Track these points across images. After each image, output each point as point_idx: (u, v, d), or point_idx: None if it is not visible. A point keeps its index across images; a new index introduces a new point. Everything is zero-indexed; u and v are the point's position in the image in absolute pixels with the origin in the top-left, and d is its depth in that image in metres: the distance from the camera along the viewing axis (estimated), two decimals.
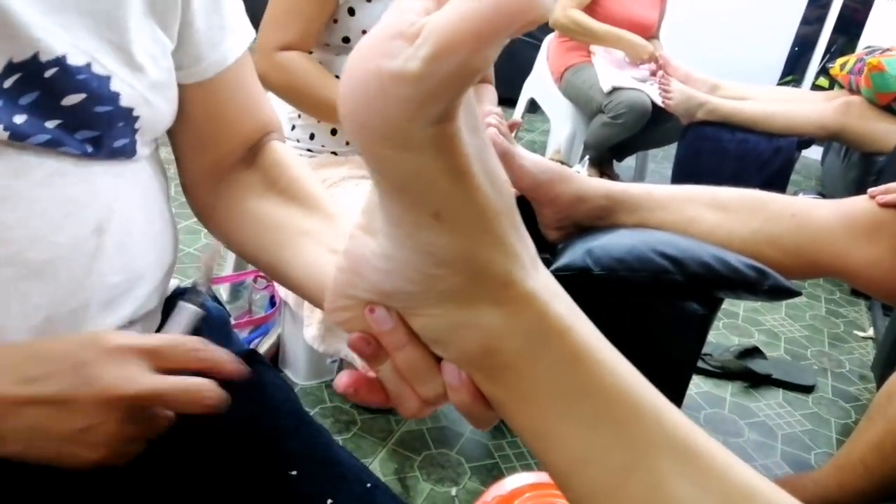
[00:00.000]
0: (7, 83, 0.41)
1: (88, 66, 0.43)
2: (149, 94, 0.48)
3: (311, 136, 1.22)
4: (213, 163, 0.57)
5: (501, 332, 0.29)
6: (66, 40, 0.42)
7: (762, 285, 0.96)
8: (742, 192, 1.03)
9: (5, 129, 0.40)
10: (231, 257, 1.46)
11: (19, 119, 0.41)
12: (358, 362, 1.26)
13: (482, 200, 0.27)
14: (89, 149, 0.45)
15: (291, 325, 1.25)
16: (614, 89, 2.30)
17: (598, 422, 0.29)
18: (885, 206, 0.93)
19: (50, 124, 0.43)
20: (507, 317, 0.29)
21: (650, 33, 2.52)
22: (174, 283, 0.63)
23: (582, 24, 2.33)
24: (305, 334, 1.07)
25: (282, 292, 1.23)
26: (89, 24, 0.44)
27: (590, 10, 2.37)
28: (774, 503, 0.29)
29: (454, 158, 0.26)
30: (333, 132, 1.21)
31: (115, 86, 0.45)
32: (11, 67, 0.40)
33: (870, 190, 0.96)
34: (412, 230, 0.27)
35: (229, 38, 0.55)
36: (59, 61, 0.42)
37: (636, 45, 2.35)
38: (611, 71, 2.38)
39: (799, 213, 1.00)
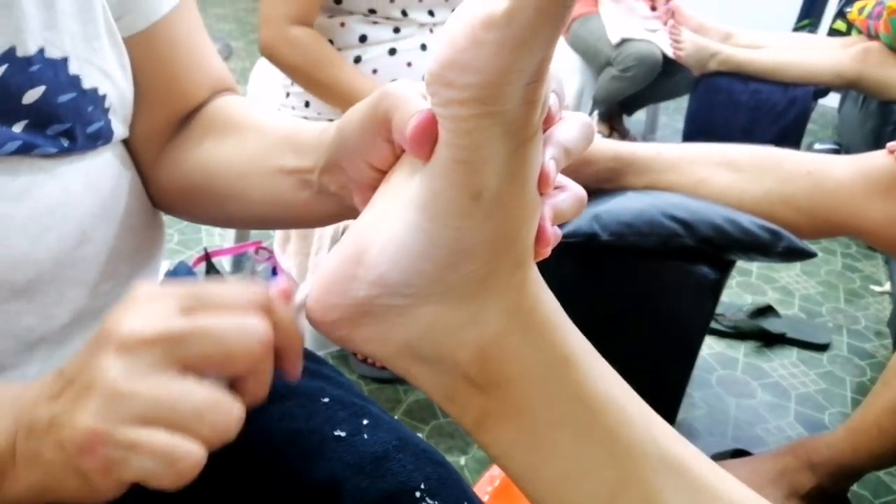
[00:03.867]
0: None
1: (41, 51, 0.39)
2: (106, 65, 0.43)
3: (307, 104, 1.18)
4: (157, 127, 0.50)
5: (501, 330, 0.28)
6: (9, 28, 0.38)
7: (776, 247, 0.93)
8: (755, 150, 1.00)
9: None
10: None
11: None
12: None
13: (531, 183, 0.27)
14: (65, 143, 0.41)
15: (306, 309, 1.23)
16: (623, 41, 2.23)
17: (591, 430, 0.28)
18: None
19: (17, 128, 0.38)
20: (510, 312, 0.28)
21: None
22: (165, 266, 0.61)
23: None
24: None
25: (283, 263, 1.21)
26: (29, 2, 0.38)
27: None
28: None
29: (530, 127, 0.25)
30: None
31: (73, 68, 0.41)
32: None
33: (889, 144, 0.92)
34: (445, 212, 0.26)
35: None
36: (8, 55, 0.37)
37: None
38: (619, 21, 2.31)
39: (814, 171, 0.96)
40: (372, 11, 1.11)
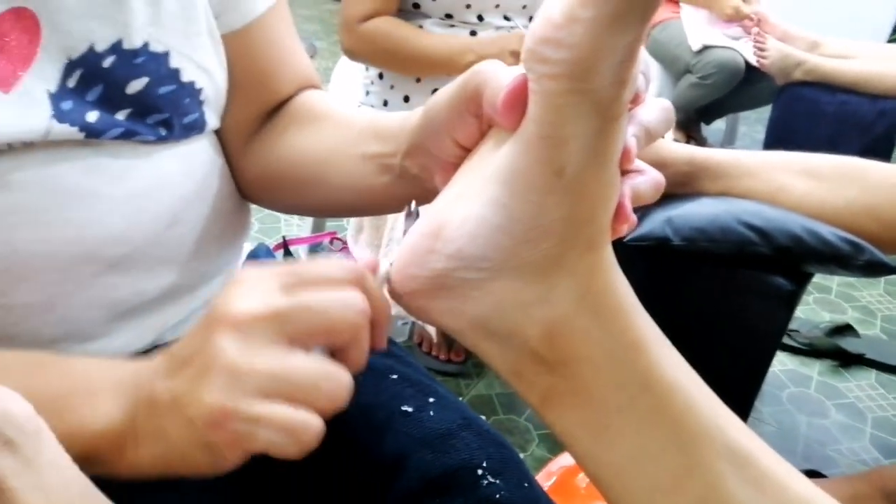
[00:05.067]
0: (71, 83, 0.40)
1: (146, 45, 0.42)
2: (205, 61, 0.46)
3: (385, 103, 1.21)
4: (246, 119, 0.52)
5: (571, 309, 0.28)
6: (118, 22, 0.41)
7: (857, 260, 0.89)
8: (839, 159, 0.96)
9: (81, 129, 0.40)
10: (308, 219, 1.48)
11: (92, 116, 0.40)
12: (430, 328, 1.26)
13: (613, 162, 0.27)
14: (163, 132, 0.44)
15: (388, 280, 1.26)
16: (704, 48, 2.18)
17: (657, 417, 0.28)
18: None
19: (121, 115, 0.42)
20: (581, 292, 0.28)
21: None
22: (247, 248, 0.64)
23: None
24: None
25: (356, 253, 1.24)
26: None
27: None
28: None
29: (618, 106, 0.25)
30: (406, 99, 1.20)
31: (173, 62, 0.44)
32: (72, 65, 0.40)
33: None
34: (526, 187, 0.27)
35: None
36: (115, 48, 0.41)
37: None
38: (701, 28, 2.26)
39: None
40: (448, 16, 1.13)
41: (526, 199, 0.27)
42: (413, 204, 0.35)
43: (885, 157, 2.10)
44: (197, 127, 0.46)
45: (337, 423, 0.47)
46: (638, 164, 0.31)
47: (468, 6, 1.11)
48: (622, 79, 0.24)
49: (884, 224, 0.92)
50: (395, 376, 0.49)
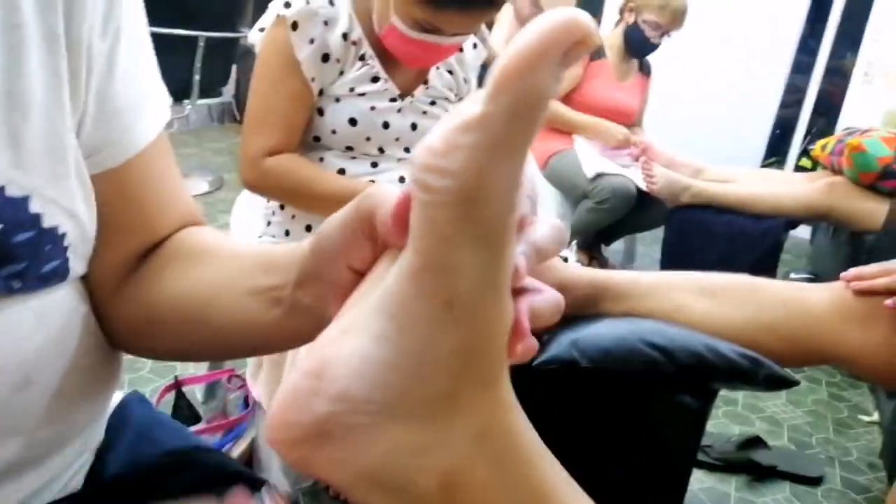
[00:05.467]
0: None
1: (2, 189, 0.37)
2: (71, 204, 0.41)
3: (287, 233, 1.19)
4: (119, 261, 0.47)
5: (468, 456, 0.26)
6: None
7: (757, 375, 0.91)
8: (732, 279, 1.00)
9: None
10: None
11: None
12: None
13: (505, 291, 0.25)
14: (16, 285, 0.38)
15: (264, 428, 1.19)
16: (598, 175, 2.31)
17: None
18: (858, 293, 0.90)
19: None
20: (479, 435, 0.26)
21: (632, 120, 2.57)
22: (118, 397, 0.58)
23: (559, 113, 2.42)
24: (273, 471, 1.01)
25: (254, 392, 1.17)
26: None
27: (571, 97, 2.43)
28: None
29: (506, 233, 0.24)
30: (308, 229, 1.19)
31: (34, 206, 0.38)
32: None
33: (842, 274, 0.92)
34: (414, 320, 0.25)
35: (139, 118, 0.46)
36: None
37: (608, 129, 2.42)
38: (594, 157, 2.40)
39: (791, 300, 0.96)
40: (349, 148, 1.14)
41: (414, 332, 0.25)
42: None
43: (772, 271, 2.23)
44: (58, 275, 0.41)
45: None
46: (535, 283, 0.30)
47: (368, 139, 1.13)
48: (509, 205, 0.24)
49: (782, 339, 0.94)
50: None
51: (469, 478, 0.26)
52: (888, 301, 0.88)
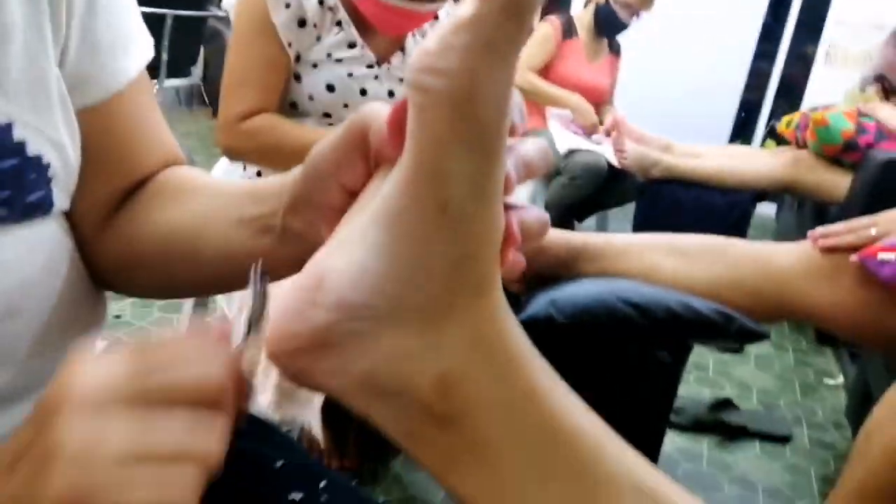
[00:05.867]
0: None
1: None
2: (55, 135, 0.42)
3: (259, 174, 1.19)
4: (102, 199, 0.48)
5: (462, 359, 0.27)
6: None
7: (729, 329, 0.94)
8: (703, 239, 1.03)
9: None
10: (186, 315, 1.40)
11: None
12: (317, 432, 1.20)
13: (497, 199, 0.26)
14: (2, 212, 0.39)
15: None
16: (570, 151, 2.34)
17: (560, 470, 0.27)
18: (825, 250, 0.93)
19: None
20: (472, 340, 0.27)
21: (604, 98, 2.61)
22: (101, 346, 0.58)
23: (537, 86, 2.47)
24: (259, 402, 1.02)
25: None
26: None
27: (545, 75, 2.47)
28: None
29: (500, 138, 0.25)
30: None
31: (17, 133, 0.39)
32: None
33: (809, 232, 0.96)
34: (409, 226, 0.26)
35: (122, 54, 0.47)
36: None
37: (585, 111, 2.46)
38: (566, 135, 2.44)
39: (760, 257, 0.99)
40: (327, 115, 1.14)
41: (408, 238, 0.26)
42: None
43: None
44: (42, 208, 0.42)
45: None
46: (519, 201, 0.31)
47: (346, 105, 1.14)
48: (502, 109, 0.24)
49: (750, 294, 0.98)
50: (278, 464, 0.45)
51: (463, 378, 0.27)
52: (853, 256, 0.91)
